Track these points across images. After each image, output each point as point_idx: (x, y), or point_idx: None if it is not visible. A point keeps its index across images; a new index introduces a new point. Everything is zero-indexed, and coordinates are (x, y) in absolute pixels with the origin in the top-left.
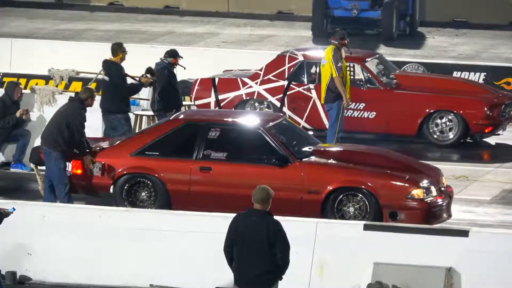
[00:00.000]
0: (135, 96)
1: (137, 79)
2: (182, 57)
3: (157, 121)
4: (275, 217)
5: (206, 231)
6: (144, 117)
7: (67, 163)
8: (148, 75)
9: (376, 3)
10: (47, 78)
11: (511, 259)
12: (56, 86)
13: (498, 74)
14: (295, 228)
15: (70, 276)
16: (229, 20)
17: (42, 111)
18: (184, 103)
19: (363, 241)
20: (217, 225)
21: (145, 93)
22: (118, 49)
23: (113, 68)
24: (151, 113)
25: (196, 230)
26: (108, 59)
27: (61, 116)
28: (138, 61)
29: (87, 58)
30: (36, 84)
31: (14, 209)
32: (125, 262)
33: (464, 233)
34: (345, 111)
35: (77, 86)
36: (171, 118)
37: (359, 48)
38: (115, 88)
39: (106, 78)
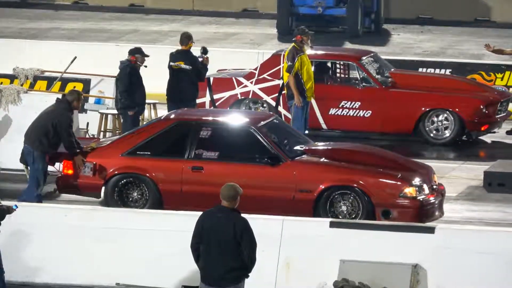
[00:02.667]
0: (101, 94)
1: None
2: (147, 55)
3: (121, 120)
4: (242, 215)
5: (172, 230)
6: (109, 116)
7: (58, 164)
8: (204, 55)
9: (341, 0)
10: (12, 77)
11: (477, 255)
12: (21, 85)
13: (463, 70)
14: (261, 226)
15: (36, 275)
16: (194, 18)
17: (7, 110)
18: (149, 101)
19: (329, 238)
20: (183, 224)
21: (111, 91)
22: (190, 40)
23: (192, 56)
24: (116, 111)
25: (162, 228)
26: (181, 49)
27: (48, 116)
28: (104, 59)
29: (52, 57)
30: (1, 83)
31: (16, 206)
32: (92, 261)
33: (430, 230)
34: (308, 107)
35: (42, 85)
36: (162, 118)
37: (323, 45)
38: (197, 75)
39: (188, 67)
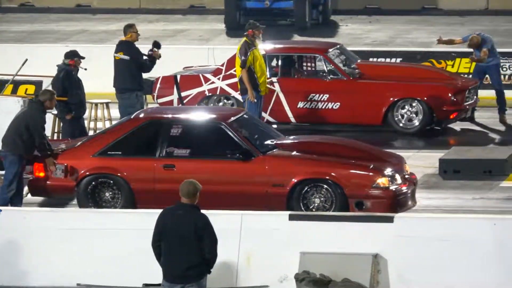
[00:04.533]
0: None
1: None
2: (83, 58)
3: (61, 126)
4: (202, 211)
5: (132, 228)
6: None
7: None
8: (155, 49)
9: None
10: None
11: (436, 243)
12: None
13: (413, 59)
14: (221, 221)
15: None
16: (141, 16)
17: None
18: (101, 100)
19: (289, 231)
20: (143, 222)
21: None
22: (129, 29)
23: (132, 47)
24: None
25: (122, 227)
26: (123, 40)
27: (21, 118)
28: (54, 60)
29: (2, 60)
30: None
31: (0, 210)
32: (52, 262)
33: (389, 219)
34: (261, 101)
35: None
36: (132, 117)
37: (273, 39)
38: (137, 66)
39: (126, 57)
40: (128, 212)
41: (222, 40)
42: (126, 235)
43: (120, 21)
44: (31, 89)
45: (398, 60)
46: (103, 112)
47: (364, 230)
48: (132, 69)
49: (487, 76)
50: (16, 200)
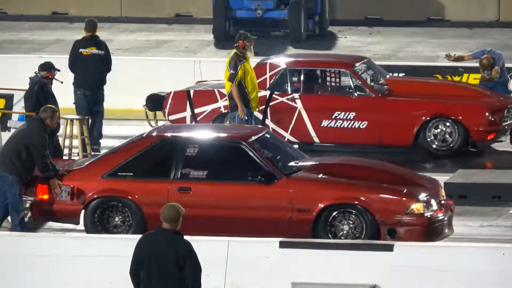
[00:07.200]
0: (23, 111)
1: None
2: (59, 70)
3: None
4: (186, 237)
5: (108, 255)
6: None
7: (33, 188)
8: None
9: (282, 2)
10: None
11: (438, 273)
12: None
13: (417, 74)
14: (205, 248)
15: None
16: (122, 25)
17: None
18: (74, 116)
19: (279, 259)
20: (119, 249)
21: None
22: (96, 27)
23: (103, 42)
24: None
25: (99, 254)
26: (89, 36)
27: (19, 136)
28: (27, 72)
29: None
30: None
31: None
32: None
33: (388, 247)
34: (252, 118)
35: None
36: (144, 135)
37: (266, 51)
38: (109, 62)
39: (102, 52)
40: (103, 237)
41: (210, 52)
42: (103, 262)
43: (100, 30)
44: (2, 103)
45: (401, 75)
46: (79, 129)
47: (362, 258)
48: (105, 65)
49: None
50: None
